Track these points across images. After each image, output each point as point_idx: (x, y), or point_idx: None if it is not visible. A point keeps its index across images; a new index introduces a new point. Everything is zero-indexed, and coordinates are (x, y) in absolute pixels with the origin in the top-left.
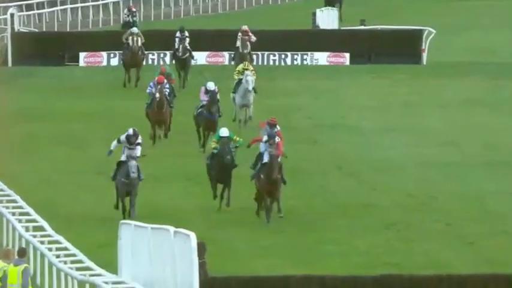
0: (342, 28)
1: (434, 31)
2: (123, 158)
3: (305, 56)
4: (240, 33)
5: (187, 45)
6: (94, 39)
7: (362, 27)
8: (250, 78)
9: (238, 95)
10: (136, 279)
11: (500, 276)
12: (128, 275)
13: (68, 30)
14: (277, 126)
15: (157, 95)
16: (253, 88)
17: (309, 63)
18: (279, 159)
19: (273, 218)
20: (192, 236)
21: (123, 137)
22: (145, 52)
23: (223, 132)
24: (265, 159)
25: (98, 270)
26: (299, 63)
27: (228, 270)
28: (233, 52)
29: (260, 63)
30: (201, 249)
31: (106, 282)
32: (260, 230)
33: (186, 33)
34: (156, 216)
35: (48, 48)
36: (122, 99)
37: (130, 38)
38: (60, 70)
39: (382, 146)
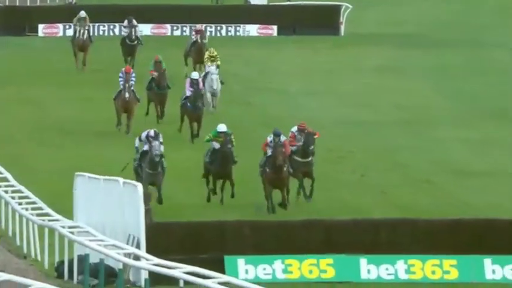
0: (270, 4)
1: (350, 6)
2: (146, 147)
3: (238, 28)
4: (194, 32)
5: (138, 33)
6: (51, 12)
7: (288, 2)
8: (214, 77)
9: (206, 84)
10: (90, 224)
11: (408, 220)
12: (82, 220)
13: (28, 4)
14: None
15: (127, 84)
16: (220, 80)
17: (241, 35)
18: (283, 150)
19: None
20: (139, 186)
21: (143, 136)
22: (97, 24)
23: (221, 127)
24: (269, 152)
25: (56, 216)
26: (233, 35)
27: (170, 216)
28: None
29: None
30: (147, 197)
31: (63, 227)
32: (201, 182)
33: (135, 22)
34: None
35: (11, 21)
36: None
37: (78, 24)
38: (22, 40)
39: (306, 107)
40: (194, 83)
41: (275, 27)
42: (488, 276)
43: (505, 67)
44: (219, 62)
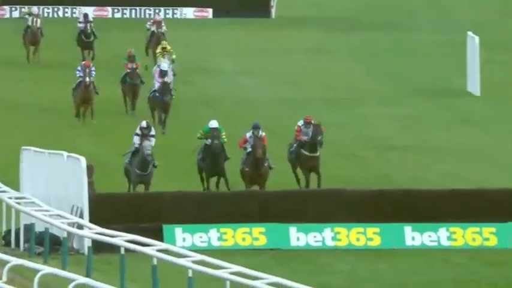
0: None
1: None
2: (136, 146)
3: (175, 11)
4: (152, 21)
5: (93, 28)
6: None
7: None
8: (167, 69)
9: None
10: (35, 195)
11: (334, 190)
12: (28, 192)
13: None
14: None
15: (87, 78)
16: (173, 70)
17: (179, 17)
18: (263, 144)
19: None
20: (82, 159)
21: (138, 130)
22: (41, 7)
23: (213, 123)
24: (249, 148)
25: (3, 187)
26: (171, 17)
27: (112, 188)
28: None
29: (138, 16)
30: (90, 170)
31: (10, 198)
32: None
33: (90, 18)
34: None
35: None
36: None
37: (30, 18)
38: None
39: (241, 85)
40: (164, 73)
41: (210, 10)
42: (408, 242)
43: (427, 49)
44: (174, 56)
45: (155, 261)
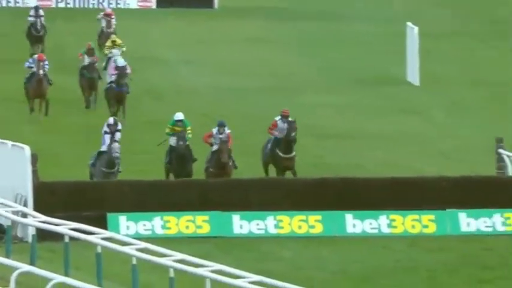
0: None
1: None
2: (103, 148)
3: (119, 1)
4: (102, 14)
5: (43, 22)
6: None
7: None
8: (119, 59)
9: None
10: None
11: (276, 179)
12: None
13: None
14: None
15: (41, 71)
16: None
17: (122, 7)
18: (228, 146)
19: None
20: (26, 148)
21: (105, 127)
22: None
23: (179, 116)
24: (214, 147)
25: None
26: (114, 7)
27: (56, 176)
28: None
29: (82, 6)
30: (34, 159)
31: None
32: (87, 144)
33: (41, 12)
34: None
35: None
36: None
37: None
38: None
39: (183, 74)
40: (119, 69)
41: (154, 0)
42: (350, 230)
43: (367, 39)
44: (124, 49)
45: (99, 249)
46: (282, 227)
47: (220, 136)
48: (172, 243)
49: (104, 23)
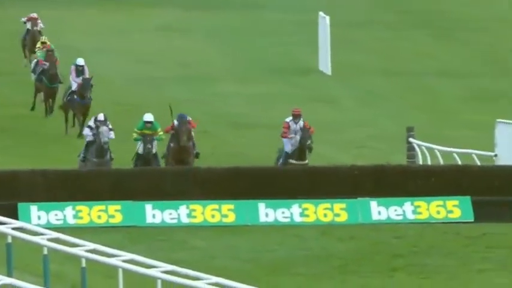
0: None
1: None
2: (89, 138)
3: None
4: (26, 18)
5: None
6: None
7: None
8: (86, 69)
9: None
10: None
11: (190, 168)
12: None
13: None
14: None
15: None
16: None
17: None
18: (189, 128)
19: None
20: None
21: (91, 123)
22: None
23: (148, 117)
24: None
25: None
26: None
27: None
28: None
29: None
30: None
31: None
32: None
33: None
34: None
35: None
36: None
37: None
38: None
39: (96, 63)
40: (79, 70)
41: None
42: (262, 219)
43: (280, 28)
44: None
45: (10, 239)
46: (194, 216)
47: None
48: (85, 233)
49: (29, 25)
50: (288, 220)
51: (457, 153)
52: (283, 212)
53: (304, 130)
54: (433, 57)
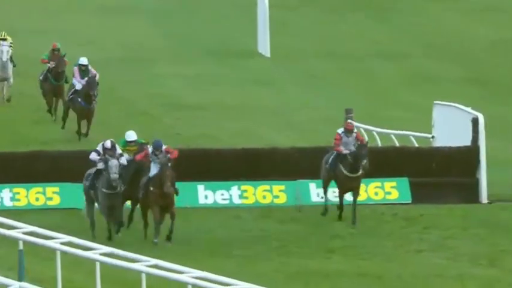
0: None
1: None
2: (100, 166)
3: None
4: None
5: None
6: None
7: None
8: (5, 48)
9: None
10: None
11: None
12: None
13: None
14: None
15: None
16: (11, 58)
17: None
18: (172, 172)
19: None
20: None
21: (100, 148)
22: None
23: (131, 135)
24: (154, 171)
25: None
26: None
27: None
28: None
29: None
30: None
31: None
32: None
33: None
34: None
35: None
36: None
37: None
38: None
39: (33, 45)
40: (83, 70)
41: None
42: (201, 201)
43: (219, 10)
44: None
45: None
46: None
47: (159, 157)
48: (22, 215)
49: None
50: (227, 202)
51: (395, 134)
52: (222, 194)
53: (360, 147)
54: (372, 39)
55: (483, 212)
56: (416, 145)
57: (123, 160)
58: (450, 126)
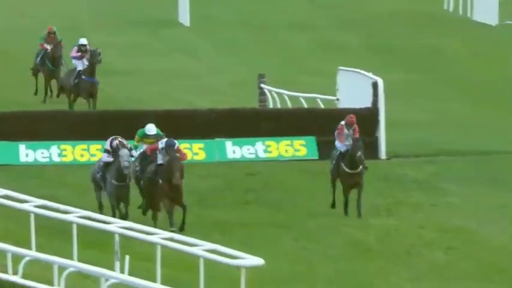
0: None
1: None
2: (106, 158)
3: None
4: None
5: None
6: None
7: None
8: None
9: None
10: None
11: (56, 112)
12: None
13: None
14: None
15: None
16: None
17: None
18: (182, 165)
19: None
20: None
21: (107, 145)
22: None
23: (151, 129)
24: (160, 159)
25: None
26: None
27: None
28: None
29: None
30: None
31: None
32: None
33: None
34: None
35: None
36: None
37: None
38: None
39: None
40: (82, 50)
41: None
42: None
43: None
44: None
45: None
46: (65, 156)
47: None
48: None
49: None
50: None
51: (304, 97)
52: None
53: (355, 141)
54: (285, 11)
55: (382, 168)
56: (323, 107)
57: (134, 153)
58: (353, 89)
